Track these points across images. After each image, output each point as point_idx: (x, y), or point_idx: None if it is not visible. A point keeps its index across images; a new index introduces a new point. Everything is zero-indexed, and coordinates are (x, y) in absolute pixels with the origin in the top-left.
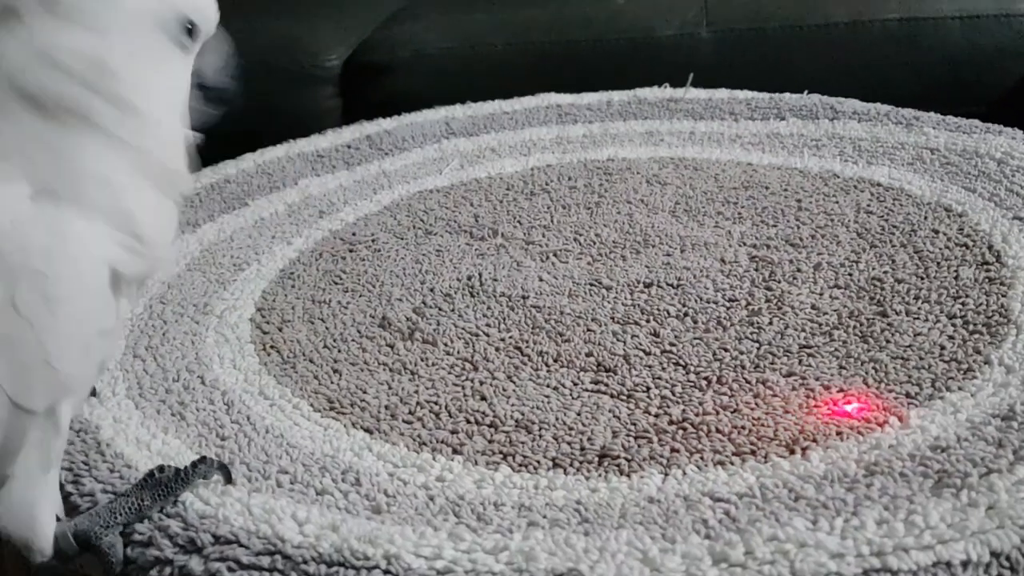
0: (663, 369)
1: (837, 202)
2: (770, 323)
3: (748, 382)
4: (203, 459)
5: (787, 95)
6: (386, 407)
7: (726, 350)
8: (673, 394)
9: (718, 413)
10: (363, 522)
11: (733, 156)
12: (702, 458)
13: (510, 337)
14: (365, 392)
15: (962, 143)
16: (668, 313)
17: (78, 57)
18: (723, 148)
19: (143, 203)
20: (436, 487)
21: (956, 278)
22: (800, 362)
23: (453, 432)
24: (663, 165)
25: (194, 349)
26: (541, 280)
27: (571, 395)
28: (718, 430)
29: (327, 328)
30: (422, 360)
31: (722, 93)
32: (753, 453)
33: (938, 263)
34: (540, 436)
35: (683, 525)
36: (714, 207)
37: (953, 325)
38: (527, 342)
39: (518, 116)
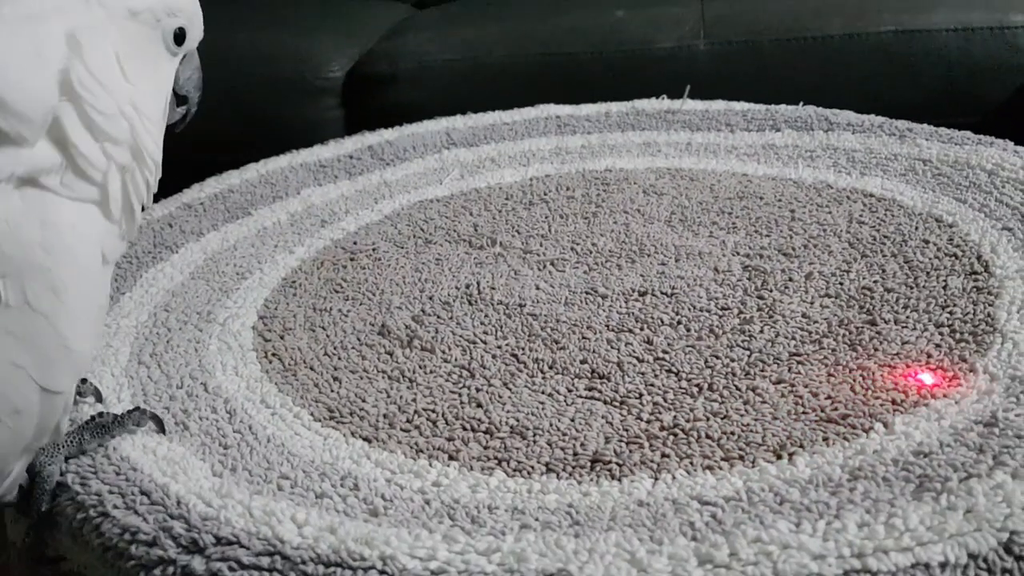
0: (656, 376)
1: (830, 212)
2: (761, 331)
3: (738, 389)
4: (137, 408)
5: (782, 107)
6: (384, 416)
7: (717, 358)
8: (665, 400)
9: (708, 419)
10: (360, 524)
11: (729, 167)
12: (691, 463)
13: (507, 345)
14: (364, 400)
15: (954, 154)
16: (662, 321)
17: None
18: (719, 159)
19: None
20: (432, 492)
21: (945, 287)
22: (789, 369)
23: (449, 439)
24: (660, 175)
25: (197, 356)
26: (538, 288)
27: (565, 401)
28: (708, 436)
29: (328, 336)
30: (420, 367)
31: (718, 105)
32: (741, 458)
33: (927, 273)
34: (534, 442)
35: (671, 527)
36: (709, 217)
37: (940, 334)
38: (523, 349)
39: (517, 127)
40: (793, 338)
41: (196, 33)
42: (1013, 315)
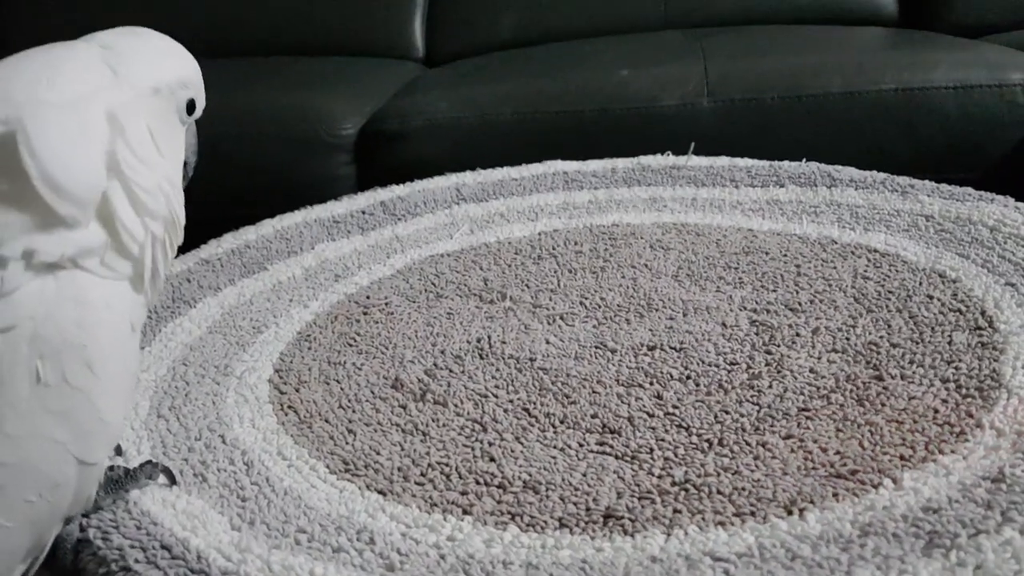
0: (666, 431)
1: (835, 267)
2: (770, 386)
3: (748, 444)
4: (149, 462)
5: (786, 163)
6: (399, 469)
7: (727, 412)
8: (676, 455)
9: (719, 474)
10: None
11: (734, 222)
12: (703, 519)
13: (518, 399)
14: (379, 453)
15: (956, 210)
16: (671, 376)
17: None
18: (724, 214)
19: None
20: (447, 546)
21: (950, 343)
22: (799, 424)
23: (463, 493)
24: (666, 230)
25: (215, 409)
26: (548, 343)
27: (577, 456)
28: (719, 491)
29: (342, 389)
30: (433, 421)
31: (723, 161)
32: (752, 514)
33: (932, 328)
34: (547, 496)
35: None
36: (715, 272)
37: (947, 389)
38: (534, 404)
39: (526, 183)
40: (801, 393)
41: (202, 102)
42: (1018, 370)
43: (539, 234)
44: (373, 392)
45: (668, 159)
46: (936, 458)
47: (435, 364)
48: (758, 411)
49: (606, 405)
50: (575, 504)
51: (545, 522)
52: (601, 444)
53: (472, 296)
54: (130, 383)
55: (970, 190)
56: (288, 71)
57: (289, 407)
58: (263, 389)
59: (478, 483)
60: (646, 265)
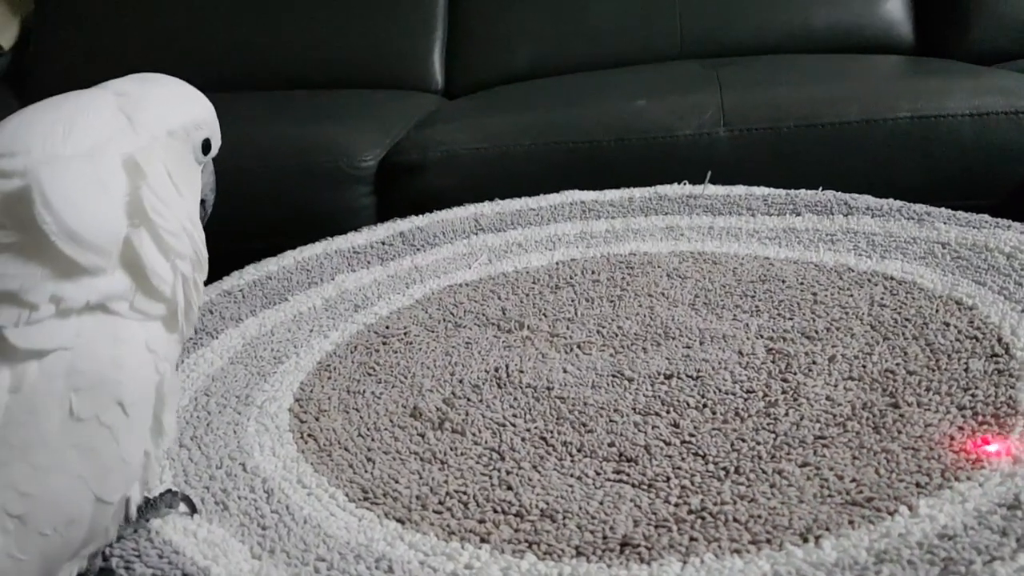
0: (683, 459)
1: (851, 295)
2: (786, 414)
3: (764, 472)
4: (170, 490)
5: (802, 191)
6: (417, 497)
7: (743, 440)
8: (692, 484)
9: (735, 502)
10: None
11: (751, 250)
12: (719, 546)
13: (535, 427)
14: (397, 481)
15: (972, 238)
16: (688, 404)
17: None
18: (741, 243)
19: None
20: (465, 574)
21: (966, 370)
22: (815, 452)
23: (481, 521)
24: (683, 259)
25: (236, 438)
26: (565, 372)
27: (594, 484)
28: (735, 519)
29: (361, 418)
30: (451, 449)
31: (739, 189)
32: (768, 542)
33: (949, 355)
34: (564, 525)
35: None
36: (732, 300)
37: (963, 416)
38: (552, 432)
39: (543, 212)
40: (818, 421)
41: (217, 141)
42: None
43: (557, 263)
44: (392, 421)
45: (685, 188)
46: (952, 485)
47: (453, 393)
48: (774, 439)
49: (623, 433)
50: (592, 532)
51: (562, 550)
52: (618, 472)
53: (490, 325)
54: (152, 423)
55: (986, 217)
56: (309, 104)
57: (309, 436)
58: (283, 418)
59: (496, 511)
60: (663, 294)
